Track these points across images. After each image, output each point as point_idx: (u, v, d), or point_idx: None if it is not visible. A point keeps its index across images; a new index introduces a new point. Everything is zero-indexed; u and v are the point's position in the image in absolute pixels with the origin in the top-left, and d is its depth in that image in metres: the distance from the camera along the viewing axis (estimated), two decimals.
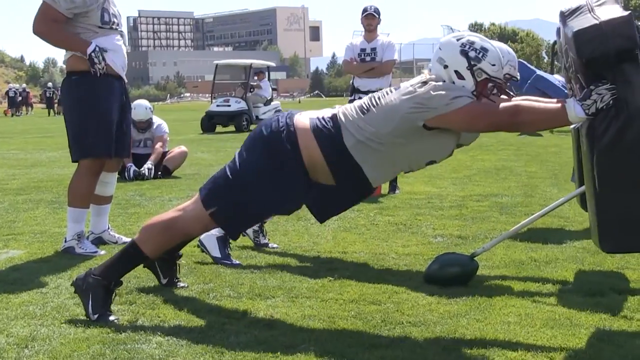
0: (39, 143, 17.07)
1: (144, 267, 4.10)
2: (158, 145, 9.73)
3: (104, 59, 4.98)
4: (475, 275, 4.24)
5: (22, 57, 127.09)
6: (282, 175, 3.60)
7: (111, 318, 3.58)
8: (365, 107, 3.63)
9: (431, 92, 3.50)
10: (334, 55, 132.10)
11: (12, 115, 42.21)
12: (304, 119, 3.67)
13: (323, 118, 3.66)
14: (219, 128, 21.71)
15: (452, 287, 4.08)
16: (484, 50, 3.61)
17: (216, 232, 4.61)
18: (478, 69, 3.58)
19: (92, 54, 4.94)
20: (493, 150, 12.58)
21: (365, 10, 7.98)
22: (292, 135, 3.61)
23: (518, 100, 3.62)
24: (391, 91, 3.67)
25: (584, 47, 3.27)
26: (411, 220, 6.22)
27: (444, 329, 3.41)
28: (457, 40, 3.65)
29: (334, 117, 3.65)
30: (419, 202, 7.11)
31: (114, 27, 5.10)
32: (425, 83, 3.56)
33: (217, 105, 21.78)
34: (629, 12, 3.31)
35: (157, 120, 9.96)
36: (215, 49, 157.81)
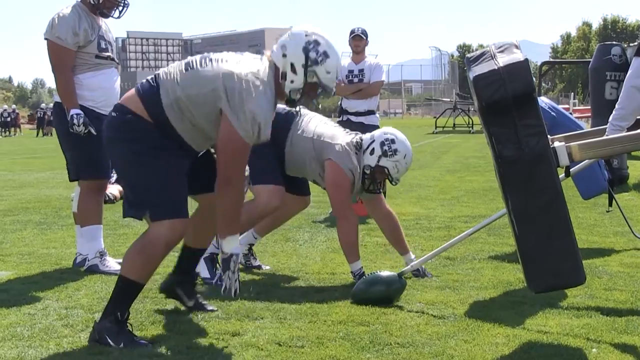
0: (27, 164, 17.01)
1: (167, 297, 4.09)
2: None
3: (84, 126, 5.00)
4: (401, 294, 4.27)
5: (10, 77, 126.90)
6: (152, 147, 3.49)
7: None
8: (191, 65, 3.55)
9: (246, 87, 3.43)
10: None
11: (5, 136, 42.18)
12: (129, 92, 3.60)
13: (147, 80, 3.58)
14: None
15: (441, 309, 4.09)
16: (325, 55, 3.62)
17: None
18: (312, 71, 3.60)
19: (74, 116, 5.00)
20: (481, 171, 12.62)
21: (352, 32, 8.03)
22: (124, 109, 3.52)
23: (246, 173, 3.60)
24: (227, 61, 3.55)
25: (483, 91, 3.35)
26: None
27: (432, 350, 3.42)
28: (306, 35, 3.64)
29: (156, 76, 3.58)
30: (408, 223, 7.12)
31: (110, 57, 5.22)
32: (255, 73, 3.48)
33: None
34: (525, 57, 3.40)
35: None
36: None
